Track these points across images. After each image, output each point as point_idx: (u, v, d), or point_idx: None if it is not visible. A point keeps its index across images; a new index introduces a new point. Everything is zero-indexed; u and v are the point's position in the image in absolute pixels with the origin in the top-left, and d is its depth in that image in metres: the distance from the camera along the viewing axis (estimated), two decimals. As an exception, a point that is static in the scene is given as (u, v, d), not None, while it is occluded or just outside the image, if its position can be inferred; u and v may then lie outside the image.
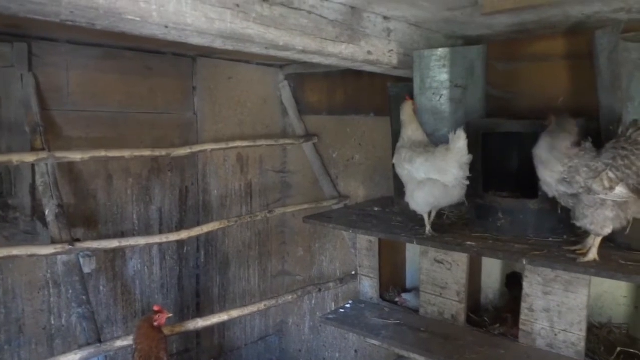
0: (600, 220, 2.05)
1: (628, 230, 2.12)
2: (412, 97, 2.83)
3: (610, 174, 1.98)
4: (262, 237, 4.64)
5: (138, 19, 1.68)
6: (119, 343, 2.50)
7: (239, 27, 1.97)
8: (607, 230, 2.06)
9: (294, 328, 4.81)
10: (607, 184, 1.99)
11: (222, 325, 4.35)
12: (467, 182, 2.44)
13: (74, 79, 3.36)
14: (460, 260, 2.70)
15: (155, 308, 2.55)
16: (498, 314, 2.89)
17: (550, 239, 2.40)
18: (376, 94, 3.91)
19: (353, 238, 3.89)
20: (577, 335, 2.30)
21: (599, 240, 2.11)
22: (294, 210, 4.08)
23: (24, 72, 3.10)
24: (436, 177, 2.45)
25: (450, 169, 2.41)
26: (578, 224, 2.14)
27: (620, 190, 1.98)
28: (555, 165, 2.12)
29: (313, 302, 4.59)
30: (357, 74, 3.82)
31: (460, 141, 2.37)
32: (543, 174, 2.20)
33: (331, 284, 3.71)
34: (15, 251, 2.49)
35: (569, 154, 2.10)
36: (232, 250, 4.41)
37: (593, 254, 2.11)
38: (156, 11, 1.71)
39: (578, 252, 2.19)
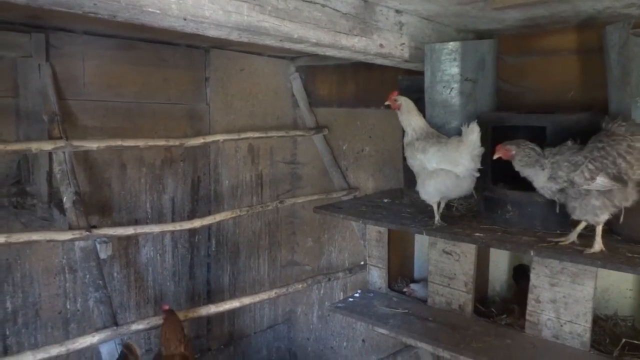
0: (589, 210, 2.14)
1: (622, 219, 2.20)
2: (399, 93, 2.81)
3: (590, 166, 2.09)
4: (272, 227, 4.70)
5: (158, 11, 1.73)
6: (135, 327, 2.57)
7: (254, 20, 2.01)
8: (603, 217, 2.14)
9: (302, 317, 4.87)
10: (587, 174, 2.09)
11: (232, 313, 4.44)
12: (478, 174, 2.49)
13: (90, 69, 3.42)
14: (468, 252, 2.74)
15: None
16: (505, 305, 2.94)
17: (558, 231, 2.43)
18: (386, 87, 3.93)
19: (362, 229, 3.94)
20: (582, 327, 2.34)
21: (599, 229, 2.17)
22: (304, 200, 4.13)
23: (41, 62, 3.16)
24: (448, 167, 2.50)
25: (462, 160, 2.47)
26: (573, 216, 2.22)
27: (601, 179, 2.08)
28: (539, 175, 2.24)
29: (322, 291, 4.65)
30: (367, 67, 3.85)
31: (473, 134, 2.42)
32: (535, 184, 2.30)
33: (340, 274, 3.76)
34: (35, 236, 2.56)
35: (551, 152, 2.22)
36: (242, 239, 4.48)
37: (599, 245, 2.16)
38: (175, 4, 1.76)
39: (561, 243, 2.27)
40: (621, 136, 2.09)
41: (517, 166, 2.32)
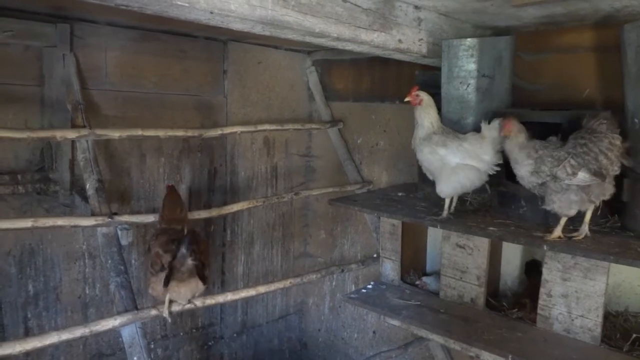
0: (566, 204, 2.25)
1: (599, 212, 2.37)
2: (419, 88, 2.81)
3: (572, 161, 2.18)
4: (286, 218, 4.76)
5: (186, 4, 1.78)
6: (154, 312, 2.63)
7: (278, 14, 2.06)
8: (573, 212, 2.27)
9: (313, 308, 4.94)
10: (569, 170, 2.18)
11: (245, 302, 4.52)
12: (498, 169, 2.57)
13: (112, 60, 3.50)
14: (481, 246, 2.78)
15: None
16: (516, 300, 2.97)
17: (571, 227, 2.46)
18: (402, 82, 3.97)
19: (375, 222, 3.99)
20: (593, 321, 2.37)
21: (564, 220, 2.30)
22: (318, 193, 4.18)
23: (66, 52, 3.23)
24: (471, 162, 2.57)
25: (485, 156, 2.54)
26: (548, 208, 2.31)
27: (582, 175, 2.18)
28: (525, 160, 2.30)
29: (333, 283, 4.71)
30: (383, 61, 3.88)
31: (496, 130, 2.51)
32: (518, 170, 2.35)
33: (353, 266, 3.81)
34: (60, 221, 2.64)
35: (535, 147, 2.29)
36: (256, 230, 4.55)
37: (558, 232, 2.31)
38: (203, -3, 1.82)
39: (575, 238, 2.34)
40: (602, 133, 2.18)
41: (510, 145, 2.35)
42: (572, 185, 2.21)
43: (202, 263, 2.53)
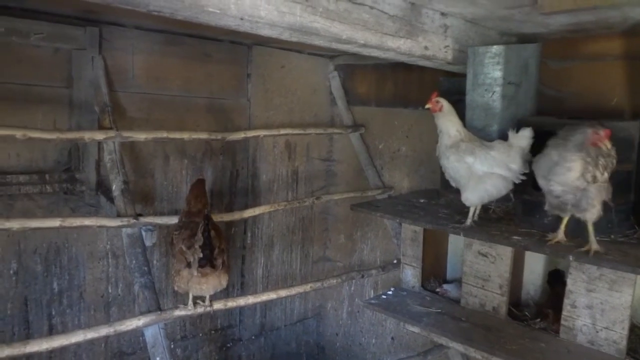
0: (600, 207, 2.25)
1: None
2: (438, 94, 2.76)
3: (602, 161, 2.20)
4: (306, 222, 4.77)
5: (218, 11, 1.81)
6: (177, 312, 2.67)
7: (306, 21, 2.08)
8: (600, 215, 2.26)
9: (332, 312, 4.94)
10: (601, 169, 2.20)
11: (264, 305, 4.54)
12: (525, 178, 2.55)
13: (138, 63, 3.55)
14: (504, 254, 2.75)
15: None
16: (539, 309, 2.94)
17: (597, 238, 2.42)
18: (425, 87, 3.95)
19: (396, 228, 3.98)
20: (619, 334, 2.33)
21: (592, 228, 2.29)
22: (339, 198, 4.19)
23: (94, 55, 3.28)
24: (499, 171, 2.56)
25: (513, 165, 2.53)
26: (585, 216, 2.27)
27: (606, 175, 2.22)
28: (577, 165, 2.23)
29: (352, 288, 4.71)
30: (406, 67, 3.85)
31: (526, 140, 2.50)
32: (566, 177, 2.25)
33: (373, 271, 3.81)
34: (87, 221, 2.69)
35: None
36: (276, 233, 4.56)
37: (595, 244, 2.27)
38: (234, 4, 1.84)
39: (554, 241, 2.39)
40: None
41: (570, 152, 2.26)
42: (601, 187, 2.22)
43: (223, 259, 2.62)
